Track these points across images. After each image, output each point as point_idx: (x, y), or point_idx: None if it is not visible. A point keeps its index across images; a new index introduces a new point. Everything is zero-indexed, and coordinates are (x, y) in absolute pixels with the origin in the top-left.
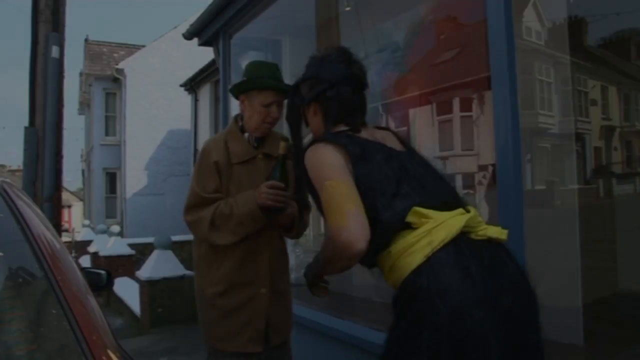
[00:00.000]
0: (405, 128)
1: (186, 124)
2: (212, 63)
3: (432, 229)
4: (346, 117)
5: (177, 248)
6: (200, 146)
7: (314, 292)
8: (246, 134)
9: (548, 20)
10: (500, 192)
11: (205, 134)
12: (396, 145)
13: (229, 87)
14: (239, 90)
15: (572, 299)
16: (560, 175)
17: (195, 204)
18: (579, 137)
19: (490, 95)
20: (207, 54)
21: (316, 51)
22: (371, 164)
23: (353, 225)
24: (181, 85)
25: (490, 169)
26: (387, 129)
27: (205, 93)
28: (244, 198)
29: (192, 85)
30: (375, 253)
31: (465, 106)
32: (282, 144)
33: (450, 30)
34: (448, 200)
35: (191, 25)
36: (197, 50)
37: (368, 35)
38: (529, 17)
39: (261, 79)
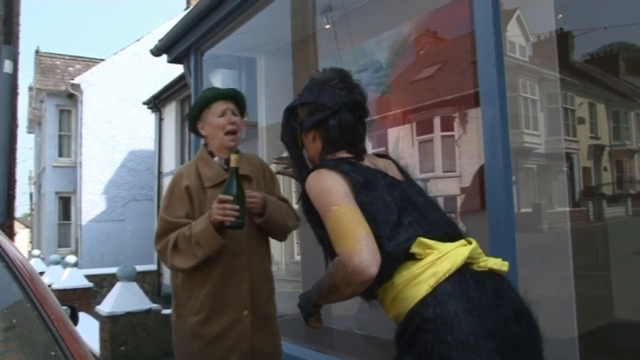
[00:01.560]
0: (383, 149)
1: (149, 145)
2: (179, 80)
3: (437, 260)
4: (347, 144)
5: (139, 279)
6: (164, 168)
7: (311, 323)
8: (216, 158)
9: (533, 35)
10: (491, 216)
11: (170, 156)
12: (397, 174)
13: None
14: (193, 119)
15: (568, 330)
16: (548, 197)
17: (164, 231)
18: (567, 157)
19: (473, 113)
20: (173, 70)
21: (315, 74)
22: (374, 193)
23: (365, 249)
24: (144, 103)
25: (473, 191)
26: (387, 157)
27: (170, 112)
28: (200, 218)
29: (156, 103)
30: (377, 284)
31: (447, 125)
32: (233, 157)
33: (430, 45)
34: (449, 231)
35: (160, 41)
36: (162, 66)
37: (347, 54)
38: (513, 31)
39: (205, 95)
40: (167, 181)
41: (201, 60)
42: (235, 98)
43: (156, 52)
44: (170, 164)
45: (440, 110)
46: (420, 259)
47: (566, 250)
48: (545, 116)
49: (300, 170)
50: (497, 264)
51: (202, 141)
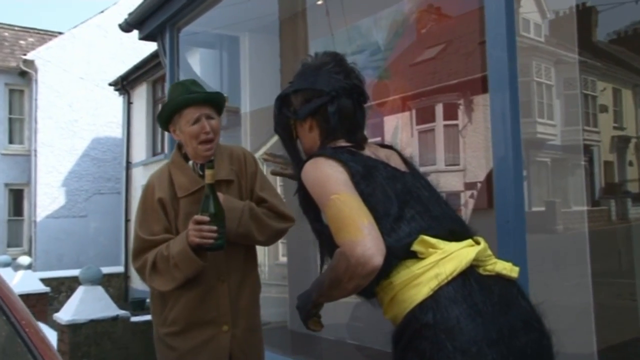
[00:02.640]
0: (379, 139)
1: (116, 132)
2: (151, 58)
3: (440, 261)
4: (346, 133)
5: (103, 283)
6: (133, 158)
7: (310, 326)
8: (190, 162)
9: (550, 11)
10: (499, 215)
11: (140, 144)
12: (400, 165)
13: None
14: (164, 122)
15: (585, 343)
16: (563, 195)
17: (141, 250)
18: (586, 150)
19: (480, 100)
20: (144, 47)
21: (307, 58)
22: (374, 183)
23: (368, 239)
24: (110, 84)
25: (479, 187)
26: (390, 147)
27: (140, 94)
28: (178, 237)
29: (125, 84)
30: (375, 282)
31: (450, 113)
32: (209, 173)
33: (433, 23)
34: (455, 229)
35: (130, 15)
36: (131, 42)
37: (341, 34)
38: (527, 7)
39: (175, 100)
40: (136, 173)
41: (177, 38)
42: (211, 100)
43: (126, 27)
44: (140, 153)
45: (443, 97)
46: (421, 259)
47: (583, 255)
48: (562, 104)
49: (296, 163)
50: (506, 268)
51: (177, 140)
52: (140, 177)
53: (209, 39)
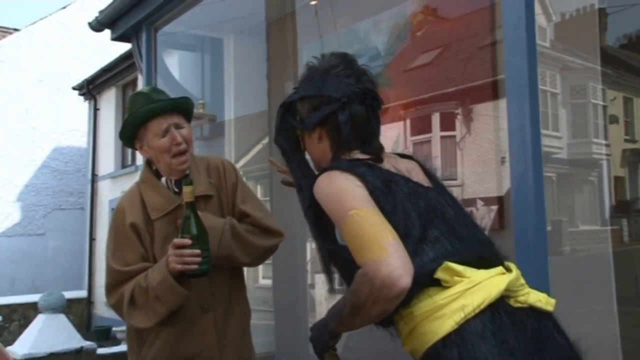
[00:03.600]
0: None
1: (80, 141)
2: (121, 60)
3: (467, 291)
4: (360, 143)
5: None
6: (100, 170)
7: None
8: (163, 179)
9: (556, 13)
10: (518, 238)
11: (108, 155)
12: (422, 179)
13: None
14: (129, 138)
15: None
16: (569, 213)
17: (115, 283)
18: (595, 164)
19: (480, 109)
20: (112, 47)
21: (314, 60)
22: (394, 200)
23: (394, 257)
24: (74, 88)
25: (480, 203)
26: (411, 157)
27: (109, 100)
28: (157, 265)
29: (91, 88)
30: (394, 309)
31: (447, 124)
32: (187, 190)
33: (428, 25)
34: (484, 254)
35: (101, 13)
36: (98, 41)
37: (336, 37)
38: None
39: (137, 113)
40: (103, 187)
41: (155, 39)
42: (177, 108)
43: (97, 26)
44: (107, 165)
45: (440, 106)
46: (446, 287)
47: (591, 278)
48: (568, 113)
49: (302, 176)
50: (540, 300)
51: (144, 157)
52: (107, 191)
53: (189, 40)
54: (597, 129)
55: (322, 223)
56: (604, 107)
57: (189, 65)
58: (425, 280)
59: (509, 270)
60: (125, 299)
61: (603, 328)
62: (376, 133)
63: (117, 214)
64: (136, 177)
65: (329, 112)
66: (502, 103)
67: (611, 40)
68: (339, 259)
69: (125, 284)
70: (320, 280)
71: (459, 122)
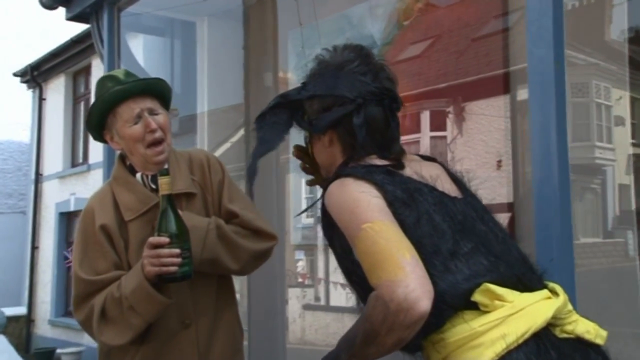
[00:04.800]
0: None
1: (22, 135)
2: (72, 43)
3: (509, 317)
4: (378, 148)
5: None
6: (45, 169)
7: None
8: (138, 174)
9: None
10: (541, 252)
11: (55, 152)
12: (450, 187)
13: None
14: (96, 127)
15: None
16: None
17: (84, 296)
18: (598, 170)
19: (473, 107)
20: (61, 28)
21: (325, 53)
22: (418, 211)
23: (412, 277)
24: (15, 75)
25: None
26: (434, 159)
27: (57, 89)
28: (132, 271)
29: (35, 75)
30: (421, 333)
31: (437, 123)
32: (163, 181)
33: (417, 14)
34: (525, 274)
35: None
36: (43, 22)
37: (326, 23)
38: None
39: (103, 96)
40: (49, 188)
41: (118, 20)
42: (152, 90)
43: (49, 3)
44: (55, 163)
45: (430, 103)
46: (484, 312)
47: (592, 295)
48: (568, 114)
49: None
50: (589, 331)
51: (117, 151)
52: (54, 193)
53: (157, 23)
54: (601, 131)
55: (336, 236)
56: (609, 108)
57: (156, 51)
58: (460, 302)
59: (554, 293)
60: (95, 313)
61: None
62: (396, 137)
63: (86, 215)
64: (88, 178)
65: (342, 114)
66: (498, 101)
67: (616, 33)
68: (355, 277)
69: (96, 296)
70: (294, 295)
71: (449, 122)
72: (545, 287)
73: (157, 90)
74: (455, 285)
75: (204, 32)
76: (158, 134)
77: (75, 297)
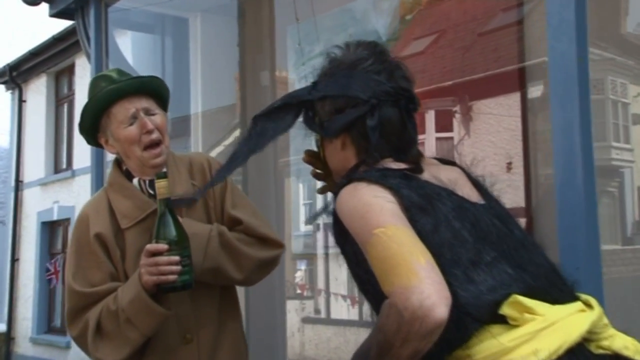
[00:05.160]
0: None
1: (1, 139)
2: (54, 41)
3: (540, 332)
4: (394, 151)
5: None
6: (26, 176)
7: None
8: (135, 180)
9: None
10: (565, 260)
11: (36, 157)
12: (470, 192)
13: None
14: (89, 130)
15: None
16: None
17: (78, 309)
18: (615, 172)
19: (481, 107)
20: (42, 25)
21: (336, 50)
22: (436, 218)
23: (427, 283)
24: None
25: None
26: (453, 163)
27: (38, 90)
28: (129, 281)
29: (14, 76)
30: (445, 349)
31: (443, 123)
32: (160, 184)
33: (420, 7)
34: (554, 285)
35: None
36: (24, 18)
37: (327, 18)
38: None
39: (96, 96)
40: (30, 196)
41: (106, 17)
42: (148, 89)
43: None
44: (36, 169)
45: (435, 102)
46: (513, 326)
47: (616, 306)
48: None
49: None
50: (627, 347)
51: (112, 155)
52: (35, 202)
53: (147, 19)
54: (618, 130)
55: (348, 243)
56: (626, 105)
57: (146, 49)
58: (486, 315)
59: (589, 306)
60: (90, 328)
61: None
62: (413, 139)
63: (80, 224)
64: (73, 185)
65: (355, 116)
66: (507, 99)
67: (633, 26)
68: (369, 287)
69: (90, 309)
70: (292, 307)
71: (456, 122)
72: (577, 299)
73: (153, 89)
74: (479, 296)
75: (197, 29)
76: (155, 135)
77: (68, 311)
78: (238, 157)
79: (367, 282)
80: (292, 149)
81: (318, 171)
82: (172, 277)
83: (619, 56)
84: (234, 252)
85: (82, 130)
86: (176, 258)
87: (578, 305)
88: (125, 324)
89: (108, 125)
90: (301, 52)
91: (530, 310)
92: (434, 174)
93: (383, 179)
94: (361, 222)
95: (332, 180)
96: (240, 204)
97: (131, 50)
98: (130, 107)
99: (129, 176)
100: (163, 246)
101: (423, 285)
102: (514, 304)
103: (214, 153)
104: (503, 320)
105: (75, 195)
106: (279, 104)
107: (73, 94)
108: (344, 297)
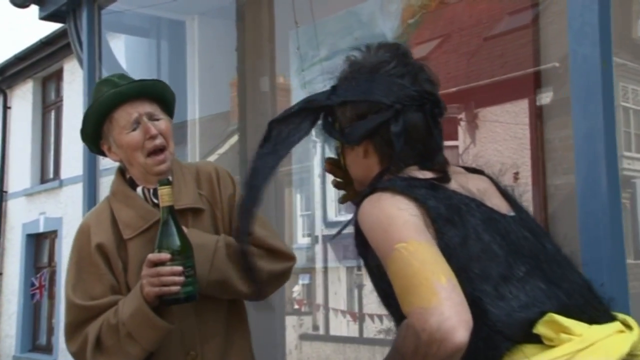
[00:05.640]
0: None
1: None
2: (41, 45)
3: (578, 353)
4: (419, 158)
5: None
6: (10, 186)
7: None
8: (139, 188)
9: None
10: (588, 271)
11: (22, 166)
12: (499, 202)
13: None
14: (92, 137)
15: None
16: None
17: (78, 323)
18: (626, 183)
19: (487, 114)
20: (28, 28)
21: (357, 54)
22: (465, 230)
23: (447, 305)
24: None
25: None
26: (481, 172)
27: (23, 96)
28: (130, 294)
29: None
30: None
31: (448, 131)
32: (163, 191)
33: (424, 10)
34: (588, 302)
35: None
36: (9, 22)
37: (332, 22)
38: None
39: (98, 100)
40: (15, 207)
41: (99, 20)
42: (151, 92)
43: (20, 1)
44: (21, 179)
45: None
46: (548, 346)
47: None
48: None
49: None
50: None
51: (106, 164)
52: (20, 213)
53: (142, 22)
54: (629, 139)
55: (370, 255)
56: (638, 112)
57: (141, 53)
58: (518, 334)
59: (627, 326)
60: (89, 343)
61: None
62: (439, 146)
63: (81, 234)
64: (60, 195)
65: (379, 122)
66: (514, 106)
67: None
68: (393, 301)
69: (90, 324)
70: (290, 323)
71: (461, 130)
72: (614, 318)
73: (156, 93)
74: (511, 313)
75: (195, 32)
76: (159, 141)
77: (67, 326)
78: (259, 174)
79: (391, 296)
80: (295, 158)
81: (339, 180)
82: (174, 288)
83: (631, 62)
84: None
85: (84, 138)
86: (179, 268)
87: (617, 325)
88: (125, 339)
89: (110, 131)
90: (301, 57)
91: (567, 330)
92: (462, 183)
93: (409, 189)
94: (383, 235)
95: (353, 190)
96: None
97: (125, 54)
98: (132, 112)
99: (132, 185)
100: (165, 255)
101: (443, 306)
102: (550, 323)
103: (213, 157)
104: (537, 340)
105: (63, 207)
106: (296, 109)
107: (61, 101)
108: (343, 312)
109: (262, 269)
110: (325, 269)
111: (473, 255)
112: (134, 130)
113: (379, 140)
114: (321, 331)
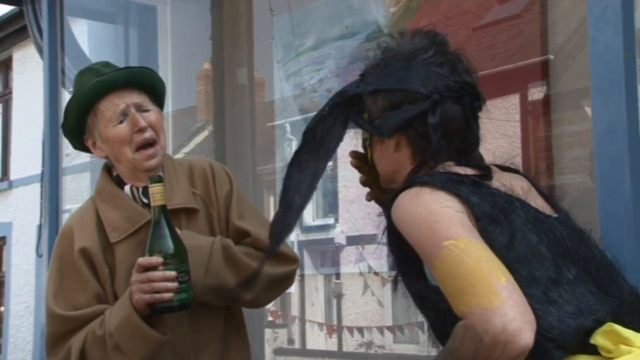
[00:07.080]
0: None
1: None
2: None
3: None
4: (457, 153)
5: None
6: None
7: None
8: (127, 187)
9: None
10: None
11: None
12: (542, 203)
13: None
14: (74, 131)
15: None
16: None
17: (60, 335)
18: None
19: (484, 110)
20: None
21: (390, 41)
22: (510, 230)
23: (510, 305)
24: None
25: None
26: (516, 171)
27: None
28: (119, 302)
29: None
30: None
31: None
32: (155, 189)
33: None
34: (637, 311)
35: None
36: None
37: (319, 9)
38: None
39: (80, 90)
40: None
41: (61, 3)
42: (139, 81)
43: None
44: None
45: None
46: (605, 358)
47: None
48: None
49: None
50: None
51: (99, 160)
52: None
53: (108, 7)
54: None
55: (406, 254)
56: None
57: (106, 42)
58: (572, 343)
59: None
60: (73, 355)
61: None
62: (477, 141)
63: (63, 238)
64: (9, 198)
65: (415, 113)
66: (505, 102)
67: None
68: (429, 303)
69: (74, 335)
70: (270, 335)
71: None
72: None
73: (145, 82)
74: (562, 320)
75: (167, 19)
76: (148, 134)
77: (48, 338)
78: (301, 185)
79: (427, 298)
80: (278, 157)
81: (364, 176)
82: (167, 296)
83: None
84: (240, 268)
85: (66, 132)
86: (172, 273)
87: None
88: (113, 352)
89: (95, 124)
90: (284, 47)
91: (626, 342)
92: (504, 181)
93: (451, 184)
94: (427, 232)
95: (379, 187)
96: (247, 213)
97: (88, 43)
98: (119, 103)
99: (120, 183)
100: (157, 260)
101: (506, 307)
102: (609, 333)
103: (180, 154)
104: (591, 349)
105: (13, 210)
106: (327, 109)
107: (10, 93)
108: (320, 325)
109: (264, 273)
110: (302, 277)
111: (520, 256)
112: (120, 122)
113: (413, 132)
114: (297, 345)
